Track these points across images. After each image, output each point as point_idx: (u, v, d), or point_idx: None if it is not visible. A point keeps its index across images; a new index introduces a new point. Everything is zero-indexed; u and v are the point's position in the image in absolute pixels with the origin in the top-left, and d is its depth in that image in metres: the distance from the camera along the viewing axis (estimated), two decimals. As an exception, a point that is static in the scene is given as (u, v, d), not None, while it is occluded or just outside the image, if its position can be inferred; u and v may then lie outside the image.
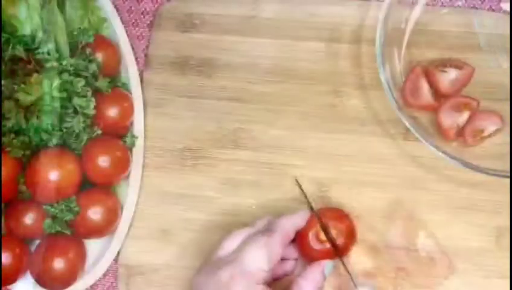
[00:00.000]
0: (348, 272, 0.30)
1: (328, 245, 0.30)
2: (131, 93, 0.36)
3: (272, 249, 0.28)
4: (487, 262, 0.33)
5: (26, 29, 0.34)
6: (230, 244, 0.29)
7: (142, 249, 0.35)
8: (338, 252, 0.30)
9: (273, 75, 0.37)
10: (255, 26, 0.38)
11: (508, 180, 0.34)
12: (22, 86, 0.31)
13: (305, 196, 0.32)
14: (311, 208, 0.32)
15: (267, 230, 0.29)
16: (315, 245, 0.30)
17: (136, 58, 0.39)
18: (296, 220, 0.30)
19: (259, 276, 0.27)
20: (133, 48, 0.39)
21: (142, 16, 0.40)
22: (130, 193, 0.35)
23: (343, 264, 0.30)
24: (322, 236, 0.30)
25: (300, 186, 0.32)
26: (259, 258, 0.28)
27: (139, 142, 0.36)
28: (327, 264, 0.30)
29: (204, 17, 0.39)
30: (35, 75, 0.31)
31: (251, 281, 0.27)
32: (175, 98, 0.38)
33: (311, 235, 0.30)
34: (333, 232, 0.30)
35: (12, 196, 0.33)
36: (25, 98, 0.31)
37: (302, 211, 0.31)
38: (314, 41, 0.38)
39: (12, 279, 0.32)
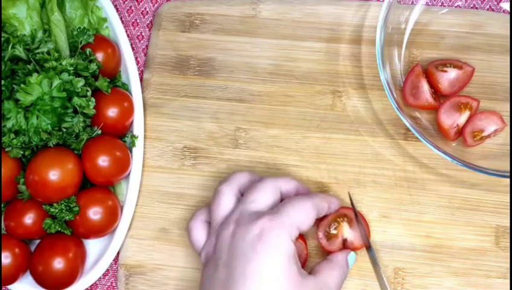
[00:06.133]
0: (376, 263, 0.31)
1: (334, 244, 0.31)
2: (131, 93, 0.36)
3: (309, 210, 0.28)
4: (487, 262, 0.33)
5: (26, 29, 0.34)
6: (263, 199, 0.29)
7: (142, 249, 0.35)
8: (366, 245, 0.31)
9: (273, 75, 0.37)
10: (255, 26, 0.38)
11: (508, 180, 0.34)
12: (22, 86, 0.31)
13: (352, 204, 0.33)
14: (355, 213, 0.32)
15: (304, 193, 0.30)
16: (323, 241, 0.32)
17: (136, 58, 0.39)
18: (332, 201, 0.31)
19: (295, 234, 0.28)
20: (133, 48, 0.39)
21: (142, 16, 0.40)
22: (130, 192, 0.35)
23: (372, 253, 0.31)
24: (331, 233, 0.31)
25: (351, 200, 0.33)
26: (300, 217, 0.28)
27: (139, 142, 0.36)
28: (351, 255, 0.31)
29: (204, 17, 0.39)
30: (35, 75, 0.31)
31: (288, 236, 0.27)
32: (175, 98, 0.38)
33: (321, 232, 0.32)
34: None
35: (12, 196, 0.33)
36: (25, 98, 0.31)
37: (338, 198, 0.32)
38: (314, 41, 0.38)
39: (12, 279, 0.32)
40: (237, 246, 0.27)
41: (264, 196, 0.29)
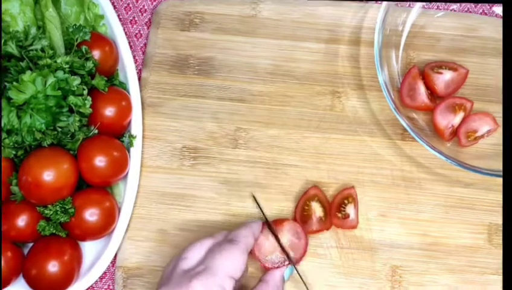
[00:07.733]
0: (301, 278, 0.31)
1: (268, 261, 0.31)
2: (129, 92, 0.36)
3: (238, 257, 0.28)
4: (481, 259, 0.34)
5: (18, 25, 0.33)
6: (194, 255, 0.28)
7: (140, 251, 0.34)
8: (290, 260, 0.31)
9: (272, 75, 0.37)
10: (255, 26, 0.38)
11: (501, 179, 0.35)
12: (15, 83, 0.30)
13: (261, 210, 0.33)
14: (266, 220, 0.33)
15: (229, 240, 0.29)
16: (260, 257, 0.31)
17: (134, 57, 0.38)
18: (254, 229, 0.31)
19: (230, 285, 0.27)
20: (131, 46, 0.38)
21: (140, 14, 0.39)
22: (127, 193, 0.34)
23: (297, 270, 0.31)
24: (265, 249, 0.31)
25: (256, 201, 0.34)
26: (230, 267, 0.28)
27: (137, 142, 0.35)
28: (287, 269, 0.31)
29: (204, 16, 0.38)
30: (28, 72, 0.30)
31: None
32: (174, 98, 0.37)
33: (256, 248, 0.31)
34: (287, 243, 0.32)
35: (4, 197, 0.32)
36: (18, 97, 0.30)
37: (256, 221, 0.32)
38: (314, 41, 0.38)
39: (5, 283, 0.31)
40: None
41: (195, 254, 0.28)
